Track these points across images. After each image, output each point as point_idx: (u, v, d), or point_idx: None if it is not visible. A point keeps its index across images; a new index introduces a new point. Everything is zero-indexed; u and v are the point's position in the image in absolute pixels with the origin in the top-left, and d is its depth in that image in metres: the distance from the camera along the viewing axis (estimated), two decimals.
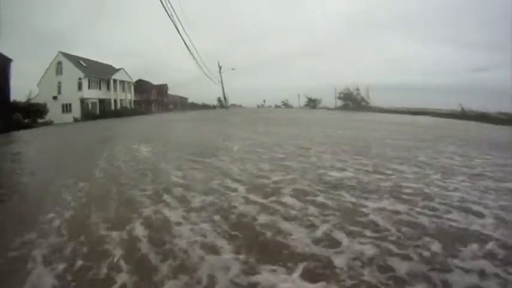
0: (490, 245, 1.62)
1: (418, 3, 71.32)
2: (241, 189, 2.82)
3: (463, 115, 15.23)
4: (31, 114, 20.61)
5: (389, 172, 3.28)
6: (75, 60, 31.59)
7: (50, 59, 31.83)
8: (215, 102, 51.05)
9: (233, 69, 44.95)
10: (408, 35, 75.44)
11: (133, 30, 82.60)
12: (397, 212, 2.11)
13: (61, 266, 1.58)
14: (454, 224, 1.91)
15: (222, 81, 42.52)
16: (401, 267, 1.43)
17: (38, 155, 6.70)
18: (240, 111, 26.13)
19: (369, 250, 1.60)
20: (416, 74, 59.52)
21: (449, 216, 2.04)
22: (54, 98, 29.83)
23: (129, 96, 37.23)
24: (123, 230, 2.00)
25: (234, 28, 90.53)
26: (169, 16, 17.81)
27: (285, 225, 1.97)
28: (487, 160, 3.98)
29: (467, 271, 1.38)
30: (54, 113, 25.29)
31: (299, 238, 1.78)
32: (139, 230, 2.00)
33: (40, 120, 21.53)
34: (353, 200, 2.42)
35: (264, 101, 52.62)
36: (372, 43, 73.19)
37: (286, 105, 44.70)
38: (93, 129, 13.82)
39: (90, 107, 30.48)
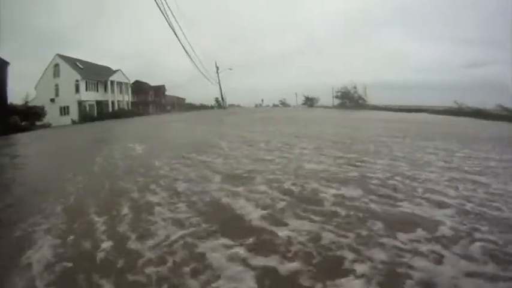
0: (434, 230, 1.76)
1: (416, 1, 71.60)
2: (218, 178, 3.17)
3: (459, 112, 15.53)
4: (29, 117, 20.68)
5: (362, 165, 3.53)
6: (72, 63, 31.61)
7: (50, 59, 31.88)
8: (213, 103, 50.88)
9: (230, 69, 44.55)
10: (406, 33, 75.85)
11: (133, 31, 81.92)
12: (353, 199, 2.35)
13: (57, 241, 1.92)
14: (405, 210, 2.08)
15: (219, 82, 42.48)
16: (336, 242, 1.67)
17: (37, 157, 6.90)
18: (238, 111, 26.27)
19: (311, 227, 1.87)
20: (414, 72, 59.74)
21: (402, 203, 2.20)
22: (52, 100, 29.89)
23: (127, 97, 37.25)
24: (112, 211, 2.34)
25: (232, 27, 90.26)
26: (163, 13, 17.20)
27: (246, 206, 2.30)
28: (467, 154, 4.13)
29: (400, 249, 1.56)
30: (52, 115, 25.36)
31: (254, 215, 2.11)
32: (126, 210, 2.35)
33: (38, 123, 21.58)
34: (315, 186, 2.70)
35: (262, 100, 51.99)
36: (369, 41, 73.11)
37: (283, 104, 44.96)
38: (91, 131, 14.00)
39: (87, 109, 30.53)
